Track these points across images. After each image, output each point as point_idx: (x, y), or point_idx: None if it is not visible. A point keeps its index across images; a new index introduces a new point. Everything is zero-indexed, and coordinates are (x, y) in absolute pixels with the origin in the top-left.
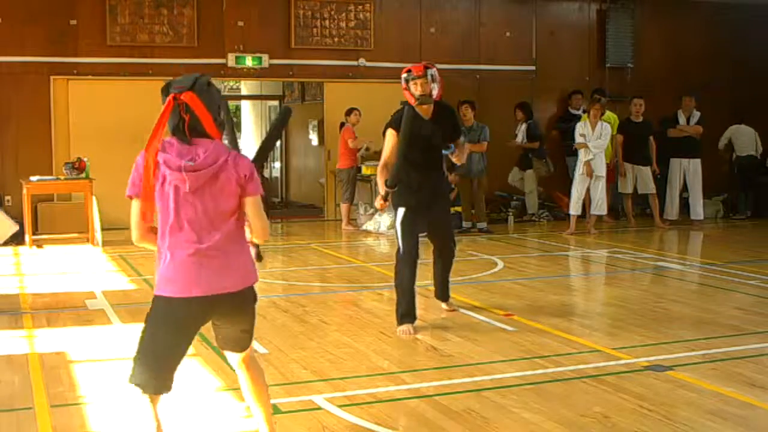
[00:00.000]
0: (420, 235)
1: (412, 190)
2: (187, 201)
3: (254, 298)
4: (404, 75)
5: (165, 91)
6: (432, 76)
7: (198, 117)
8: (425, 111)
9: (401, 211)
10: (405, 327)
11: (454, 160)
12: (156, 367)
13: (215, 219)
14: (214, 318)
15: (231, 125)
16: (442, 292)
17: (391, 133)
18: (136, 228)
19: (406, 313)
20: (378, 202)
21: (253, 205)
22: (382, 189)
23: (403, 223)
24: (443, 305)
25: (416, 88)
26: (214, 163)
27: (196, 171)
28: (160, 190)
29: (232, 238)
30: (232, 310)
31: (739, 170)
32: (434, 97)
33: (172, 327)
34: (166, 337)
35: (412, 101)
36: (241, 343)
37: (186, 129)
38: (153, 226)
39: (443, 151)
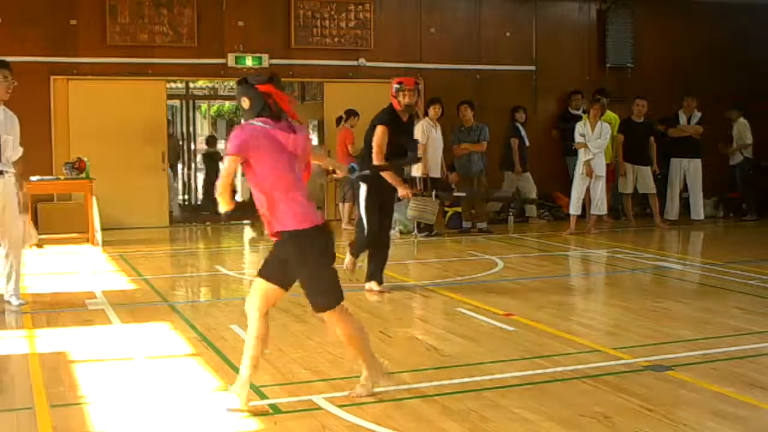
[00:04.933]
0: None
1: (376, 173)
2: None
3: None
4: (396, 85)
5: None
6: (418, 90)
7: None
8: (405, 116)
9: (364, 188)
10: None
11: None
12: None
13: None
14: None
15: None
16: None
17: (381, 128)
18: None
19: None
20: (404, 193)
21: None
22: (389, 177)
23: (367, 200)
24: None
25: (404, 98)
26: None
27: None
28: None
29: None
30: None
31: (742, 167)
32: (416, 106)
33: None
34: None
35: (397, 107)
36: None
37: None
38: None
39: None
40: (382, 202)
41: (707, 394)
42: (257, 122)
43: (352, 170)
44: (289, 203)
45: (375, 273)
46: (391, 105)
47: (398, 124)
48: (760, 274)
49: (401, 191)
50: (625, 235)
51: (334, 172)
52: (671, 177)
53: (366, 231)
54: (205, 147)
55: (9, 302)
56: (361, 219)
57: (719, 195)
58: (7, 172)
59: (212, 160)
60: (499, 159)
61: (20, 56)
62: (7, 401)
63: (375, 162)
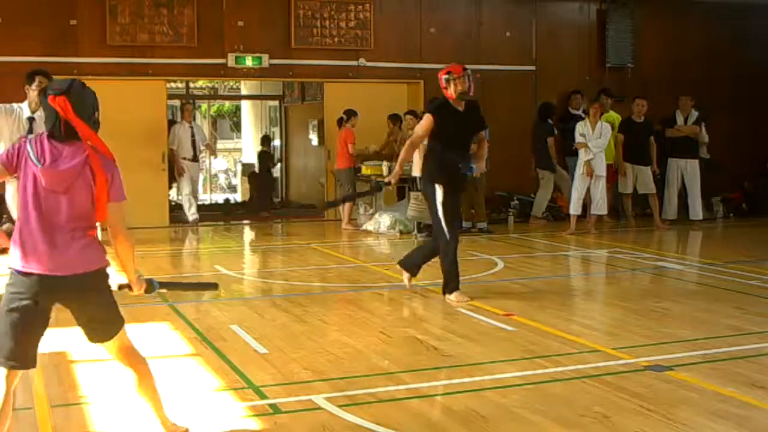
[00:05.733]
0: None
1: (448, 170)
2: None
3: None
4: (445, 76)
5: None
6: (468, 75)
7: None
8: (460, 104)
9: (439, 190)
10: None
11: (476, 167)
12: None
13: None
14: None
15: None
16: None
17: (427, 117)
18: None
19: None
20: (392, 178)
21: None
22: (399, 167)
23: (444, 203)
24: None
25: (456, 87)
26: None
27: None
28: None
29: None
30: None
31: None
32: (471, 93)
33: None
34: None
35: (451, 97)
36: None
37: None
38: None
39: (465, 172)
40: (453, 202)
41: (707, 394)
42: (28, 144)
43: (152, 287)
44: (19, 238)
45: (414, 267)
46: (444, 96)
47: (452, 114)
48: (760, 274)
49: (391, 176)
50: (625, 235)
51: (129, 287)
52: (669, 177)
53: (448, 236)
54: (260, 146)
55: None
56: (439, 225)
57: (722, 195)
58: None
59: (266, 159)
60: (534, 159)
61: (20, 56)
62: None
63: (403, 152)
